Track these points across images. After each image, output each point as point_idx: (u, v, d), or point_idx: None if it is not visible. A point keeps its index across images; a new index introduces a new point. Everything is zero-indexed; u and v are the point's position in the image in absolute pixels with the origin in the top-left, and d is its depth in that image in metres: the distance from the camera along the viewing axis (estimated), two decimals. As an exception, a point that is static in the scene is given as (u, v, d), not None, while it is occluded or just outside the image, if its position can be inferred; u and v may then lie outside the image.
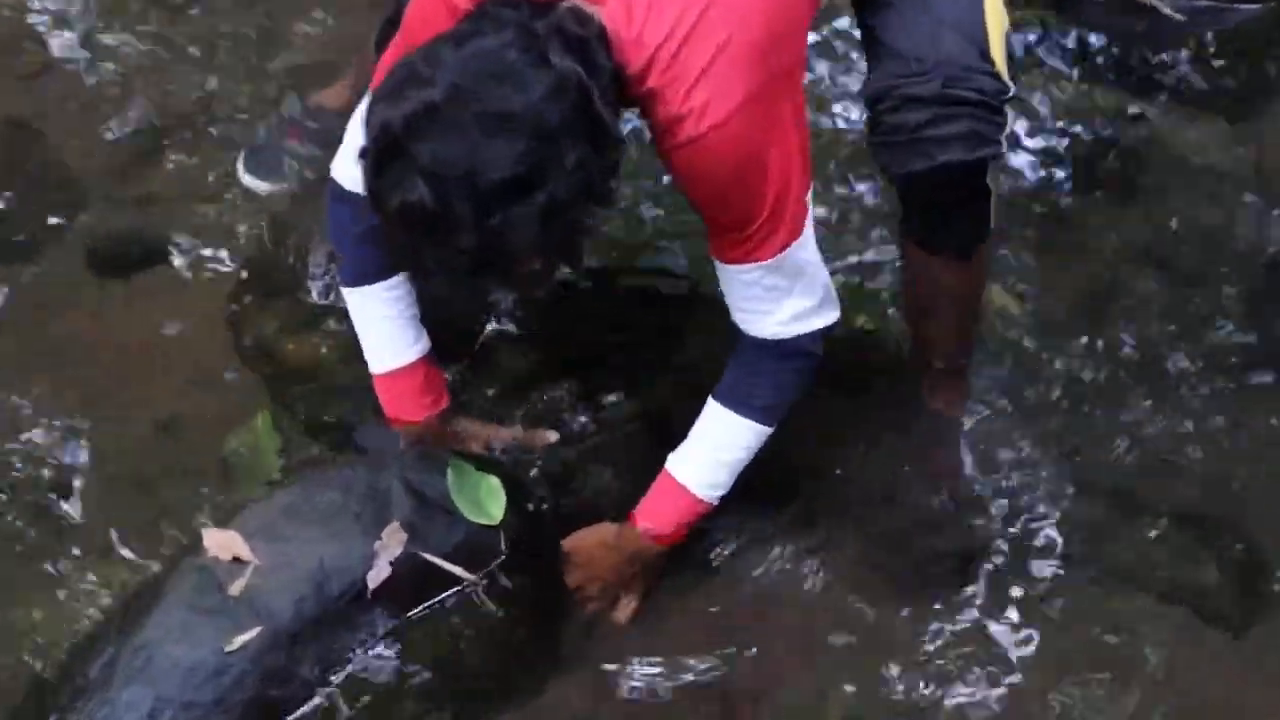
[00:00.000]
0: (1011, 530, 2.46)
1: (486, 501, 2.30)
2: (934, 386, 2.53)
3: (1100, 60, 3.00)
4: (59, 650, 2.25)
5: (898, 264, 2.56)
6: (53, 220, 2.84)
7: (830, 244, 2.53)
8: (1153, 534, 2.43)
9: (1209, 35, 2.99)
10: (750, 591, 2.39)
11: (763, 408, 2.20)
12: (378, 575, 2.18)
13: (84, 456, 2.53)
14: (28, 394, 2.59)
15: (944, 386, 2.53)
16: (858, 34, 2.28)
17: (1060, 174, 2.85)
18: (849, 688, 2.30)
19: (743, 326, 2.16)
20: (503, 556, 2.29)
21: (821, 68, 2.93)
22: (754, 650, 2.32)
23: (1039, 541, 2.45)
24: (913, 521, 2.45)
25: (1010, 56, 2.15)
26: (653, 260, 2.69)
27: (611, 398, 2.50)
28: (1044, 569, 2.42)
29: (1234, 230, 2.77)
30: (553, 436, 2.43)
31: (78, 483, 2.50)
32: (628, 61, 1.92)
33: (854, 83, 2.85)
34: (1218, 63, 2.99)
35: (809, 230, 2.10)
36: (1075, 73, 2.99)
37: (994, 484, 2.51)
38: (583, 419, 2.48)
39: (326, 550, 2.19)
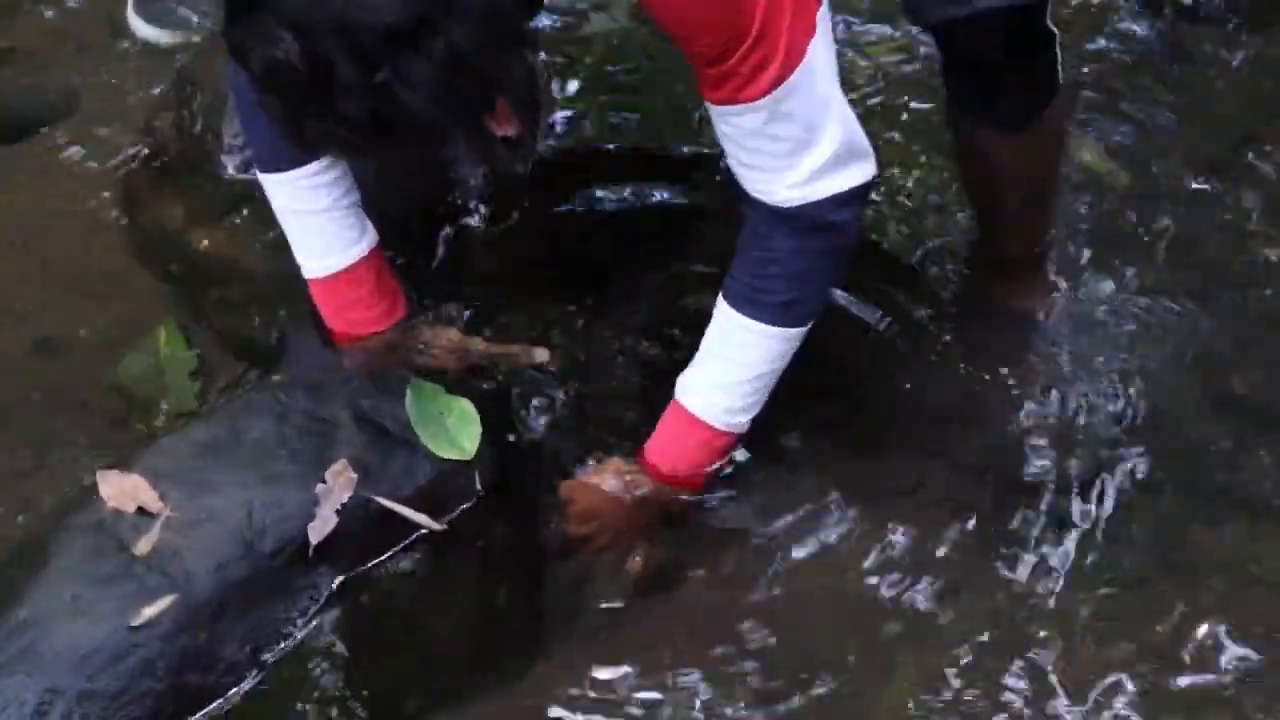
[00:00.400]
0: (1108, 453, 2.40)
1: (456, 432, 2.26)
2: (1007, 282, 2.53)
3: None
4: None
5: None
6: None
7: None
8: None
9: None
10: (789, 544, 2.33)
11: (780, 305, 2.13)
12: (322, 527, 2.14)
13: (-64, 385, 2.54)
14: None
15: (1018, 281, 2.52)
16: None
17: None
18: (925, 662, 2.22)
19: (749, 189, 2.08)
20: (477, 500, 2.26)
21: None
22: (792, 621, 2.26)
23: (1138, 468, 2.39)
24: (990, 449, 2.41)
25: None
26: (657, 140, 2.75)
27: (612, 302, 2.52)
28: (1152, 501, 2.35)
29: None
30: (543, 354, 2.38)
31: (-72, 419, 2.50)
32: None
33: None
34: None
35: (820, 57, 2.01)
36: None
37: (1086, 398, 2.46)
38: (577, 326, 2.49)
39: (257, 497, 2.16)
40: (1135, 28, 2.97)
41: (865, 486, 2.37)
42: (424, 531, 2.22)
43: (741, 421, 2.22)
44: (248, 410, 2.27)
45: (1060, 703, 2.15)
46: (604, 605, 2.28)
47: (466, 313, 2.48)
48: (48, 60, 2.84)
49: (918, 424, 2.45)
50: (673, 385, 2.24)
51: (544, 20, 2.90)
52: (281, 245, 2.36)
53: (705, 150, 2.66)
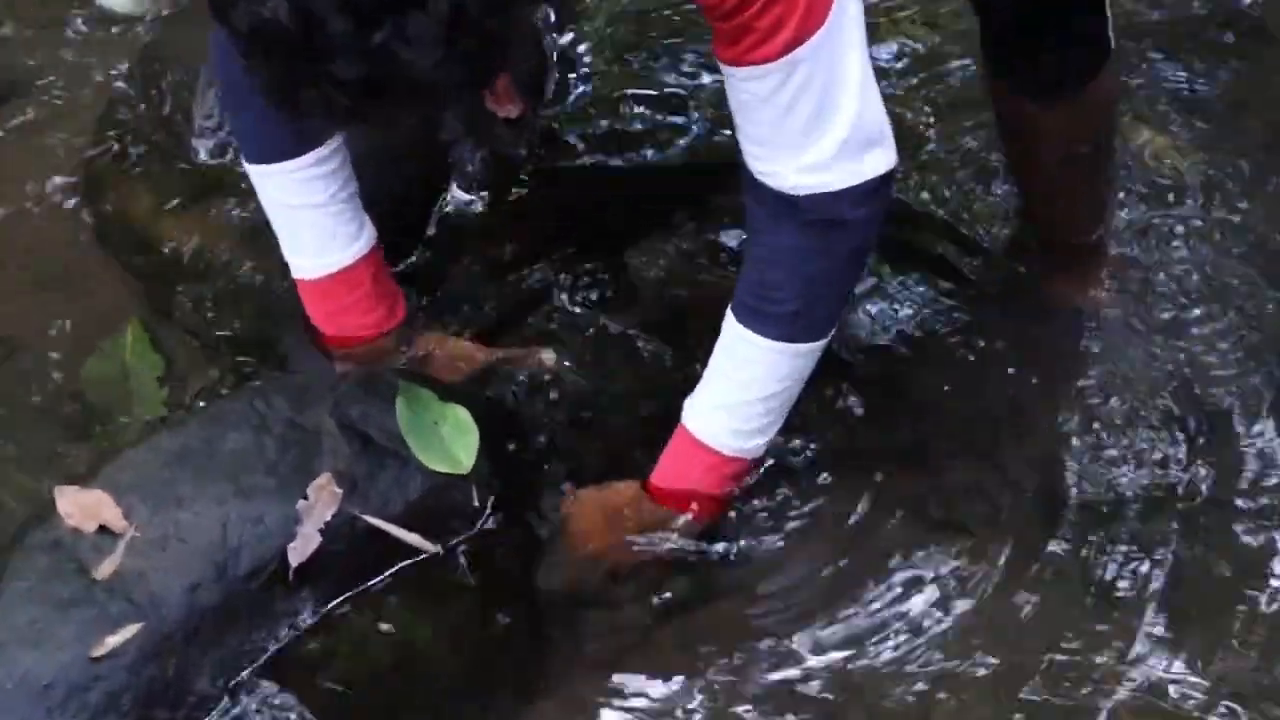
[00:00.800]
0: (1170, 473, 2.39)
1: (452, 443, 2.26)
2: (1059, 273, 2.52)
3: None
4: None
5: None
6: None
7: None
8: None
9: None
10: (815, 570, 2.32)
11: (789, 316, 2.10)
12: (303, 547, 2.14)
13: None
14: None
15: (1072, 272, 2.52)
16: None
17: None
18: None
19: (756, 171, 2.05)
20: (476, 519, 2.26)
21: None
22: (819, 663, 2.24)
23: (1202, 483, 2.38)
24: (1037, 461, 2.40)
25: None
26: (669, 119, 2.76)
27: (625, 294, 2.51)
28: (1217, 520, 2.33)
29: None
30: (550, 356, 2.39)
31: None
32: None
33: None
34: None
35: (845, 24, 1.98)
36: None
37: (1146, 404, 2.45)
38: (586, 324, 2.49)
39: (231, 513, 2.15)
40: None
41: (903, 503, 2.36)
42: (417, 554, 2.21)
43: (754, 446, 2.20)
44: (222, 418, 2.26)
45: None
46: (609, 638, 2.27)
47: (465, 308, 2.49)
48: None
49: (963, 430, 2.43)
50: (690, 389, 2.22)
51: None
52: (260, 236, 2.35)
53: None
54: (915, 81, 2.87)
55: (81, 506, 2.14)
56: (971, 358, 2.48)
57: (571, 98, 2.84)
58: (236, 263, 2.54)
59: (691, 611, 2.29)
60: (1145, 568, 2.30)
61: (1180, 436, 2.44)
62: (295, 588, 2.14)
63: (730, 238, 2.51)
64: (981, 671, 2.20)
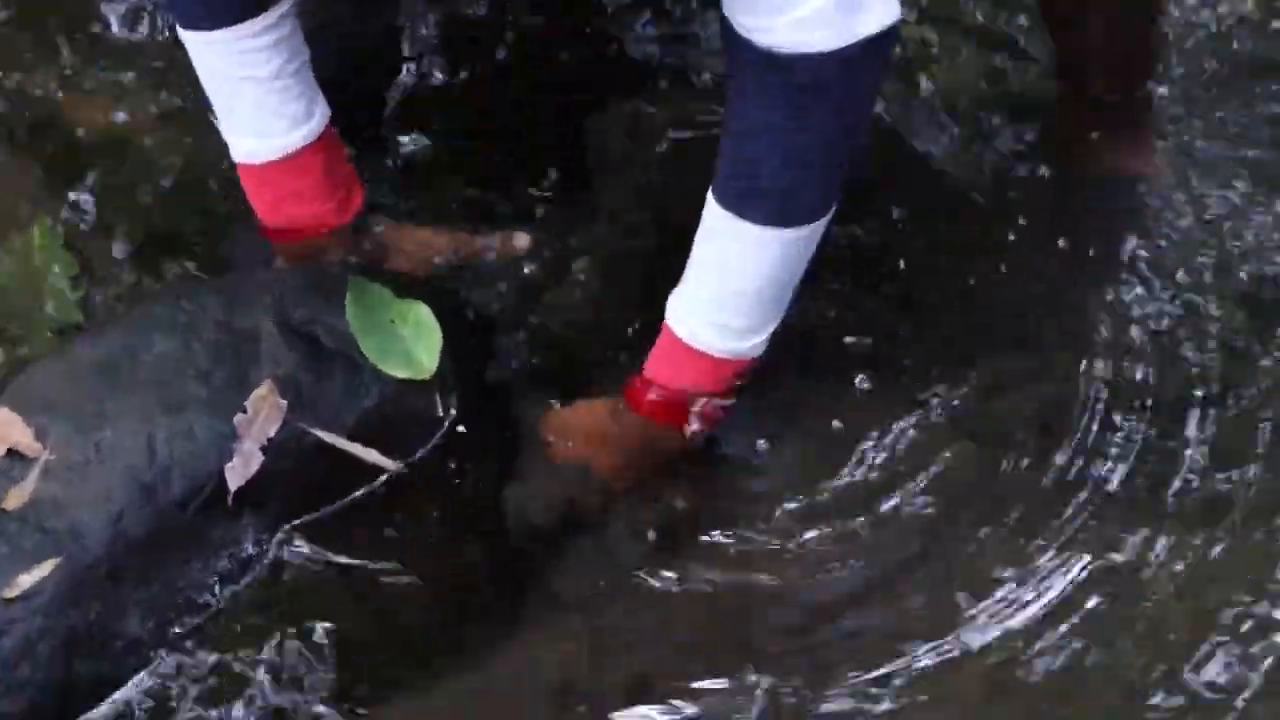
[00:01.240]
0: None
1: (412, 344, 2.26)
2: (1099, 137, 2.54)
3: None
4: None
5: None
6: None
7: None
8: None
9: None
10: (815, 512, 2.31)
11: (777, 194, 2.08)
12: (243, 468, 2.13)
13: None
14: None
15: (1114, 136, 2.54)
16: None
17: None
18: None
19: (738, 24, 2.00)
20: (441, 429, 2.23)
21: None
22: (810, 612, 2.25)
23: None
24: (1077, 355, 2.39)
25: None
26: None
27: (610, 176, 2.55)
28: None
29: None
30: (524, 239, 2.38)
31: None
32: None
33: None
34: None
35: None
36: None
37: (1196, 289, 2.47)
38: (564, 210, 2.50)
39: (159, 430, 2.13)
40: None
41: (939, 408, 2.37)
42: (374, 473, 2.20)
43: (752, 344, 2.19)
44: (146, 322, 2.25)
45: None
46: (595, 569, 2.27)
47: (424, 193, 2.50)
48: None
49: (994, 328, 2.43)
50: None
51: None
52: (186, 114, 2.43)
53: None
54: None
55: (-14, 428, 2.11)
56: (1016, 239, 2.51)
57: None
58: (157, 142, 2.56)
59: (689, 543, 2.28)
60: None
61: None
62: (235, 513, 2.14)
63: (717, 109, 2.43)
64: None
